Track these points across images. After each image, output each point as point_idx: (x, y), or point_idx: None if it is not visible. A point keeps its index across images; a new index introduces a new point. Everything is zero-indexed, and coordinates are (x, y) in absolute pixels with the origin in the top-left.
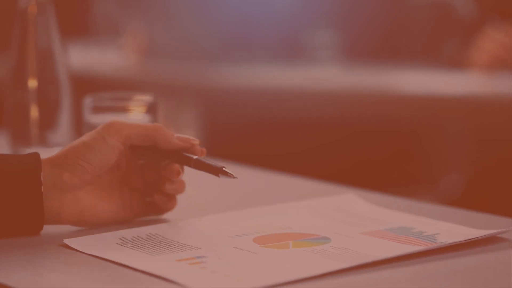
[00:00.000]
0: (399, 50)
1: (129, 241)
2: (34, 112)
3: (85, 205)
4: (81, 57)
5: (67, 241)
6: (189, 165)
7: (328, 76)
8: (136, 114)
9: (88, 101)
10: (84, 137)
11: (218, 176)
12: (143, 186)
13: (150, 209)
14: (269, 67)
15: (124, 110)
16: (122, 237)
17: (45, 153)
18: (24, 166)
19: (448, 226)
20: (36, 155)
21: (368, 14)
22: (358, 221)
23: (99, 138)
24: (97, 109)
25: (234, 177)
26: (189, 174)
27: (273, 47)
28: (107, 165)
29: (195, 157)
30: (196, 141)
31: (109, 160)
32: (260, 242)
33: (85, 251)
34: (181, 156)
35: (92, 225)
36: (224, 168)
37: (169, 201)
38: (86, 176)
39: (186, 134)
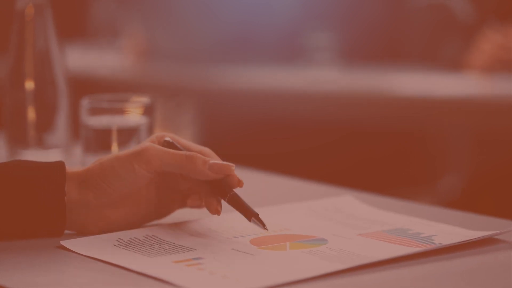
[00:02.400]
0: (398, 52)
1: (126, 242)
2: (31, 113)
3: (111, 218)
4: (80, 59)
5: (64, 242)
6: (224, 199)
7: (326, 78)
8: (133, 115)
9: (85, 103)
10: (115, 161)
11: (249, 221)
12: (183, 186)
13: (185, 204)
14: (268, 69)
15: (121, 111)
16: (119, 238)
17: (43, 155)
18: (49, 175)
19: (445, 228)
20: (62, 164)
21: (367, 16)
22: (355, 223)
23: (128, 167)
24: (95, 111)
25: (265, 229)
26: None
27: (272, 49)
28: (135, 190)
29: (231, 192)
30: (232, 169)
31: (136, 187)
32: (257, 243)
33: (82, 253)
34: (216, 186)
35: (120, 230)
36: (258, 216)
37: (202, 204)
38: (112, 198)
39: (189, 139)
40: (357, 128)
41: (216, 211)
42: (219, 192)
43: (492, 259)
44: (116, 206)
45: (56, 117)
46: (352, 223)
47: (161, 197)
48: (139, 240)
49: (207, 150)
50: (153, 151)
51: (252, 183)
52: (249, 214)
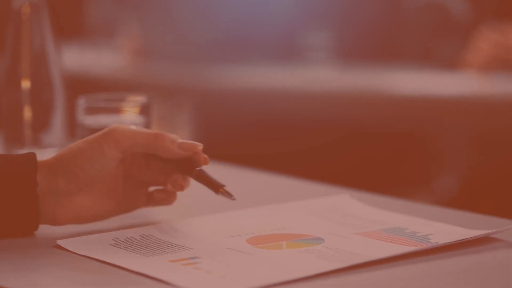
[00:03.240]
0: (395, 51)
1: (123, 242)
2: (28, 113)
3: (81, 207)
4: (76, 58)
5: (60, 242)
6: (190, 175)
7: (324, 77)
8: (130, 115)
9: (82, 102)
10: (83, 143)
11: (216, 193)
12: (148, 177)
13: (151, 201)
14: (266, 68)
15: (118, 111)
16: (116, 238)
17: (39, 154)
18: (20, 167)
19: (442, 227)
20: (33, 155)
21: (364, 16)
22: (352, 222)
23: (97, 148)
24: (91, 110)
25: (233, 199)
26: None
27: (270, 48)
28: (104, 173)
29: (197, 168)
30: (200, 148)
31: (106, 169)
32: (253, 242)
33: (78, 252)
34: (183, 164)
35: (89, 222)
36: (224, 187)
37: (169, 198)
38: (82, 183)
39: (187, 139)
40: (355, 128)
41: (180, 187)
42: (185, 170)
43: (489, 258)
44: (86, 193)
45: (53, 117)
46: (349, 222)
47: (127, 189)
48: (135, 239)
49: (173, 135)
50: (120, 131)
51: (249, 182)
52: (216, 186)
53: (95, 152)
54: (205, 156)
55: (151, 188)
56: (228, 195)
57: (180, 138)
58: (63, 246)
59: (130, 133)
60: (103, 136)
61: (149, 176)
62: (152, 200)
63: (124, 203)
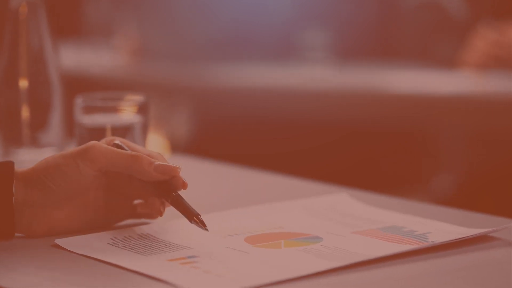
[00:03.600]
0: (392, 50)
1: (121, 241)
2: (25, 112)
3: (57, 220)
4: (74, 57)
5: (58, 241)
6: (167, 200)
7: (321, 76)
8: (127, 114)
9: (79, 101)
10: (60, 158)
11: (191, 222)
12: (131, 191)
13: (135, 214)
14: (262, 67)
15: (115, 110)
16: (114, 237)
17: (37, 154)
18: None
19: (440, 225)
20: (10, 164)
21: (361, 15)
22: (350, 221)
23: (73, 164)
24: (89, 109)
25: (205, 229)
26: (182, 172)
27: (266, 47)
28: (80, 188)
29: (174, 194)
30: (178, 171)
31: (81, 185)
32: (251, 241)
33: (76, 251)
34: (161, 187)
35: (66, 234)
36: (199, 216)
37: (153, 214)
38: (57, 197)
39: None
40: (353, 127)
41: (158, 211)
42: (163, 193)
43: (487, 257)
44: (61, 206)
45: (50, 116)
46: (347, 221)
47: (110, 201)
48: (133, 238)
49: (156, 153)
50: (98, 149)
51: (246, 181)
52: (190, 214)
53: (70, 168)
54: (184, 180)
55: (137, 201)
56: (201, 225)
57: (160, 159)
58: (61, 245)
59: (108, 153)
60: (80, 153)
61: (132, 190)
62: (136, 214)
63: (106, 215)
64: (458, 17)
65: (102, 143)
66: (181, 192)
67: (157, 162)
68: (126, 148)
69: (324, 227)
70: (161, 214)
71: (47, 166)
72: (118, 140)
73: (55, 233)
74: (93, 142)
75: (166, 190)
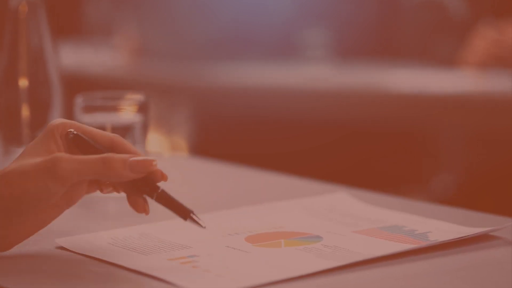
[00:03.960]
0: (393, 49)
1: (121, 240)
2: (25, 112)
3: (26, 233)
4: (73, 57)
5: (59, 241)
6: (152, 198)
7: (321, 75)
8: (127, 113)
9: (79, 101)
10: (25, 180)
11: (185, 220)
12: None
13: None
14: (262, 66)
15: (115, 109)
16: (114, 236)
17: None
18: None
19: (440, 224)
20: None
21: (362, 13)
22: (350, 220)
23: (42, 187)
24: (89, 109)
25: (203, 227)
26: (182, 172)
27: (266, 47)
28: (46, 206)
29: (158, 190)
30: (154, 164)
31: (49, 202)
32: (252, 241)
33: (77, 251)
34: (140, 184)
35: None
36: (192, 214)
37: (139, 212)
38: (20, 219)
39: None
40: (352, 126)
41: (143, 209)
42: (144, 190)
43: (488, 256)
44: (25, 221)
45: (50, 115)
46: (347, 220)
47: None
48: (134, 238)
49: (118, 138)
50: (66, 165)
51: (246, 181)
52: (184, 213)
53: (40, 192)
54: (162, 172)
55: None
56: (199, 223)
57: (132, 154)
58: (61, 245)
59: (77, 166)
60: (47, 172)
61: (106, 188)
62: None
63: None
64: (458, 16)
65: (65, 155)
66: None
67: (130, 159)
68: (85, 137)
69: (324, 227)
70: (146, 212)
71: (11, 192)
72: (72, 129)
73: (20, 241)
74: (58, 156)
75: (147, 186)
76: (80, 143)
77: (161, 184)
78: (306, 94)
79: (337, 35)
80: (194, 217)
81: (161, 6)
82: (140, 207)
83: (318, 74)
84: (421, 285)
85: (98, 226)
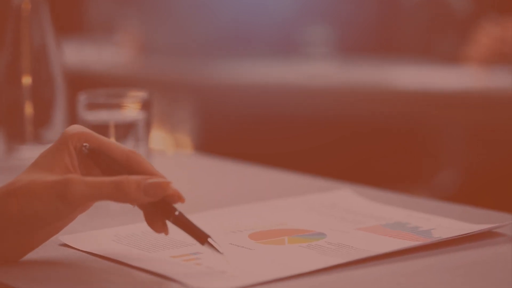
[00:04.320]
0: (395, 45)
1: (125, 237)
2: (28, 109)
3: (30, 247)
4: (76, 54)
5: (62, 238)
6: (168, 220)
7: (323, 72)
8: (130, 110)
9: (82, 98)
10: (36, 202)
11: (202, 245)
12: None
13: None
14: (265, 63)
15: (118, 106)
16: (118, 234)
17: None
18: None
19: (443, 221)
20: None
21: (363, 10)
22: (354, 217)
23: (52, 210)
24: (92, 106)
25: (220, 253)
26: (185, 169)
27: (269, 44)
28: (52, 225)
29: (175, 212)
30: (169, 187)
31: (58, 222)
32: (255, 238)
33: (80, 248)
34: (159, 207)
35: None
36: (210, 239)
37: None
38: (27, 240)
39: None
40: (354, 123)
41: (162, 230)
42: (161, 211)
43: (491, 253)
44: (35, 235)
45: (53, 113)
46: (350, 217)
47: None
48: (137, 235)
49: (134, 155)
50: (77, 189)
51: (249, 178)
52: (201, 237)
53: (49, 214)
54: (179, 193)
55: None
56: (215, 249)
57: (148, 174)
58: (65, 242)
59: (88, 190)
60: (59, 197)
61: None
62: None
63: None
64: (461, 12)
65: (78, 177)
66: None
67: (145, 182)
68: (100, 153)
69: (328, 224)
70: (166, 233)
71: (21, 210)
72: (86, 143)
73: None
74: (69, 178)
75: (163, 207)
76: (94, 158)
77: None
78: (308, 91)
79: (339, 32)
80: (211, 241)
81: (163, 3)
82: (158, 228)
83: (320, 71)
84: (425, 282)
85: (102, 224)
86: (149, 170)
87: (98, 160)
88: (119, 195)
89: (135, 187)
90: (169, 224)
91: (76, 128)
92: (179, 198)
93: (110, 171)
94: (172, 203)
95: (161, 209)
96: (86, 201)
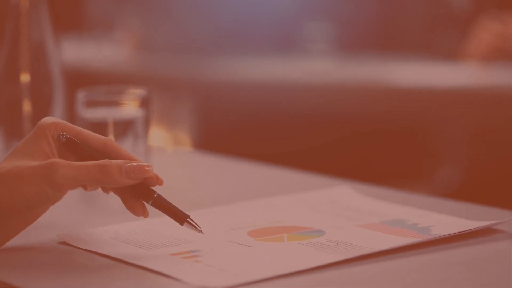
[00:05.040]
0: (395, 42)
1: (123, 235)
2: (27, 107)
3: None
4: (75, 51)
5: (61, 235)
6: (148, 202)
7: (323, 69)
8: (129, 108)
9: (81, 95)
10: (23, 185)
11: (182, 225)
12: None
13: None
14: (265, 60)
15: (117, 104)
16: (117, 231)
17: None
18: None
19: (443, 218)
20: None
21: (364, 7)
22: (353, 214)
23: (41, 193)
24: (91, 103)
25: (200, 231)
26: (185, 167)
27: (268, 40)
28: (42, 209)
29: (154, 195)
30: (150, 170)
31: (45, 206)
32: (254, 235)
33: (80, 246)
34: (138, 190)
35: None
36: (189, 219)
37: (138, 215)
38: (16, 222)
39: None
40: (354, 120)
41: (142, 213)
42: (140, 194)
43: (491, 249)
44: (19, 221)
45: (52, 110)
46: (350, 214)
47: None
48: (136, 233)
49: (111, 142)
50: (64, 172)
51: (248, 175)
52: (180, 217)
53: (37, 197)
54: (158, 176)
55: None
56: (197, 228)
57: (126, 159)
58: (64, 240)
59: (74, 173)
60: (45, 178)
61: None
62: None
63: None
64: (461, 8)
65: (61, 160)
66: (185, 186)
67: (126, 165)
68: (77, 141)
69: (327, 221)
70: (146, 215)
71: (9, 195)
72: (63, 132)
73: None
74: (55, 162)
75: (142, 190)
76: (72, 146)
77: (161, 186)
78: (308, 88)
79: (339, 29)
80: (191, 221)
81: (163, 0)
82: (138, 211)
83: (320, 68)
84: (424, 279)
85: (100, 221)
86: (127, 156)
87: (76, 149)
88: (103, 177)
89: (118, 170)
90: (168, 222)
91: (51, 118)
92: (158, 181)
93: (88, 158)
94: (151, 185)
95: (140, 192)
96: (72, 183)
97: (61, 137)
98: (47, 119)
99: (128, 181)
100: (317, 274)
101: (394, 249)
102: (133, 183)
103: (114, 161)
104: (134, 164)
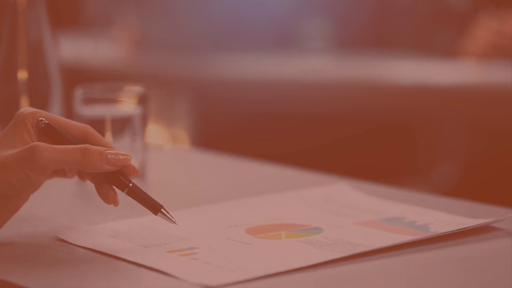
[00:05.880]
0: (393, 40)
1: (121, 233)
2: (24, 104)
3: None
4: (73, 49)
5: (60, 234)
6: (123, 191)
7: (321, 66)
8: (127, 105)
9: (79, 93)
10: (5, 171)
11: (155, 215)
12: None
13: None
14: (262, 58)
15: (115, 101)
16: (115, 229)
17: None
18: None
19: (441, 216)
20: None
21: (362, 4)
22: (350, 211)
23: (23, 177)
24: (88, 101)
25: (173, 222)
26: (182, 164)
27: (266, 38)
28: (26, 194)
29: (130, 184)
30: (129, 159)
31: (30, 191)
32: (252, 233)
33: (78, 244)
34: (115, 178)
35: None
36: (163, 209)
37: (109, 203)
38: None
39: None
40: (351, 117)
41: (113, 201)
42: (116, 182)
43: (489, 247)
44: (4, 210)
45: (50, 107)
46: (347, 211)
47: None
48: (134, 230)
49: (90, 129)
50: (45, 154)
51: (246, 172)
52: (154, 207)
53: (20, 181)
54: (135, 167)
55: None
56: (170, 219)
57: (105, 146)
58: (62, 238)
59: (55, 154)
60: (26, 162)
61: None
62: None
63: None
64: (459, 6)
65: (42, 144)
66: (182, 183)
67: (106, 152)
68: (56, 128)
69: (325, 218)
70: (116, 203)
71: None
72: (43, 117)
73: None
74: (36, 145)
75: (118, 179)
76: (51, 133)
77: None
78: (305, 85)
79: (337, 26)
80: (164, 212)
81: None
82: (110, 199)
83: (317, 65)
84: (422, 276)
85: (98, 219)
86: (106, 144)
87: (55, 135)
88: (84, 161)
89: (98, 155)
90: (165, 220)
91: (29, 108)
92: (134, 172)
93: (68, 144)
94: (127, 175)
95: (117, 180)
96: (54, 165)
97: (40, 123)
98: (25, 109)
99: (107, 167)
100: (315, 272)
101: (392, 246)
102: (111, 170)
103: (94, 147)
104: (113, 151)
